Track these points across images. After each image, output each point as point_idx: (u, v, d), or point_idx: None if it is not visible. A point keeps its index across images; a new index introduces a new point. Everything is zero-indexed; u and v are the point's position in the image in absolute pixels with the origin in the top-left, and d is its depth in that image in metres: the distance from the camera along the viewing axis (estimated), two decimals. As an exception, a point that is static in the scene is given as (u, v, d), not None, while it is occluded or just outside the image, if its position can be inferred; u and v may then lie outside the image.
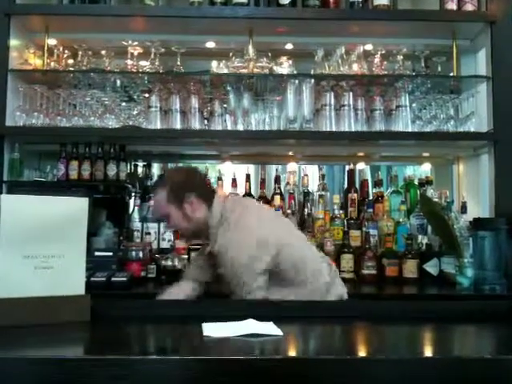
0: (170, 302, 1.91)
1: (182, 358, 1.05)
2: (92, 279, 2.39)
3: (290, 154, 3.37)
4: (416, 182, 3.28)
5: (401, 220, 3.00)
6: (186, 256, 2.82)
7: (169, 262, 2.81)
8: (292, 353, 1.11)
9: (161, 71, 2.99)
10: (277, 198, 3.09)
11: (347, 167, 3.34)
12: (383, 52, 3.03)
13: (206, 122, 3.02)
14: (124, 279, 2.50)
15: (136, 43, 2.99)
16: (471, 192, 3.17)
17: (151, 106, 2.95)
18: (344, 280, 2.76)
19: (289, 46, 3.20)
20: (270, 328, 1.25)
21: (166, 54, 3.02)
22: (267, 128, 2.96)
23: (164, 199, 2.13)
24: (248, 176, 3.18)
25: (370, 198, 3.21)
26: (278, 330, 1.23)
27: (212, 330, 1.22)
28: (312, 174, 3.54)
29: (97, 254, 2.62)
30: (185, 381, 1.02)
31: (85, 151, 2.95)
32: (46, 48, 3.01)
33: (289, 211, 3.05)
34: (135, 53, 3.00)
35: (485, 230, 2.61)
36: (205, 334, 1.19)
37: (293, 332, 1.29)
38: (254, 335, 1.19)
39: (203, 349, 1.16)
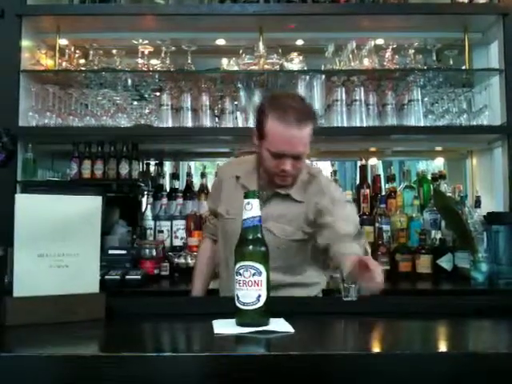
0: (182, 299, 1.92)
1: (194, 355, 1.05)
2: (106, 277, 2.41)
3: (302, 150, 3.35)
4: (429, 177, 3.26)
5: (414, 215, 2.98)
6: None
7: (182, 260, 2.83)
8: (304, 349, 1.10)
9: (171, 69, 3.00)
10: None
11: (359, 163, 3.32)
12: (394, 46, 3.01)
13: (217, 119, 3.02)
14: (138, 277, 2.51)
15: (146, 42, 3.01)
16: (485, 186, 3.14)
17: (162, 105, 2.96)
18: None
19: (299, 42, 3.20)
20: (280, 324, 1.25)
21: (176, 53, 3.03)
22: (278, 125, 2.96)
23: (310, 134, 1.77)
24: (260, 173, 3.17)
25: (383, 193, 3.19)
26: (289, 327, 1.23)
27: (222, 327, 1.22)
28: (324, 170, 3.52)
29: (111, 252, 2.64)
30: (197, 377, 1.02)
31: (97, 150, 2.97)
32: (57, 48, 3.04)
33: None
34: (146, 52, 3.02)
35: (499, 224, 2.59)
36: (215, 331, 1.19)
37: (304, 328, 1.29)
38: (265, 332, 1.19)
39: (214, 346, 1.16)
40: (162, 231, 2.99)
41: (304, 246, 1.91)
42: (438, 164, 3.54)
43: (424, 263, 2.74)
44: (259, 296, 1.22)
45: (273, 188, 1.89)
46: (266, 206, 1.85)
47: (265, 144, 1.78)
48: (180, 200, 3.08)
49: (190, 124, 2.95)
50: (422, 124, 2.95)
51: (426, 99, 3.04)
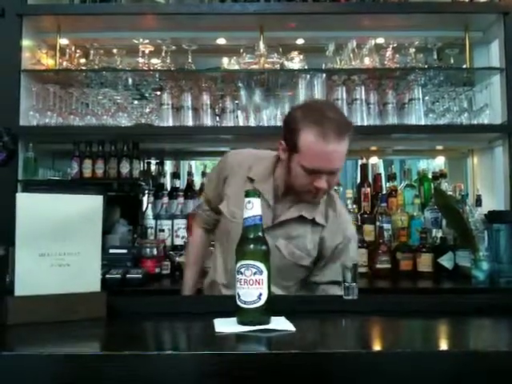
0: (184, 298, 1.92)
1: (195, 353, 1.05)
2: (107, 276, 2.41)
3: (303, 149, 3.35)
4: (430, 176, 3.26)
5: (415, 214, 2.98)
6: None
7: (182, 259, 2.83)
8: (305, 347, 1.10)
9: (172, 69, 3.00)
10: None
11: (360, 161, 3.32)
12: (395, 45, 3.01)
13: (217, 118, 3.02)
14: (139, 276, 2.52)
15: (147, 41, 3.01)
16: (486, 185, 3.14)
17: (163, 104, 2.96)
18: (358, 274, 2.77)
19: (300, 41, 3.20)
20: (281, 323, 1.25)
21: (176, 52, 3.03)
22: (279, 124, 2.96)
23: (347, 148, 1.64)
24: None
25: (384, 192, 3.19)
26: (291, 325, 1.23)
27: (224, 325, 1.22)
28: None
29: (112, 251, 2.64)
30: (198, 376, 1.02)
31: (98, 149, 2.97)
32: (58, 48, 3.04)
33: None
34: (146, 51, 3.02)
35: (500, 222, 2.59)
36: (217, 330, 1.20)
37: (305, 327, 1.29)
38: (266, 330, 1.19)
39: (216, 344, 1.16)
40: (162, 230, 2.99)
41: (302, 270, 1.85)
42: (439, 163, 3.54)
43: (425, 262, 2.74)
44: (260, 294, 1.22)
45: (294, 201, 1.77)
46: (284, 225, 1.77)
47: (297, 158, 1.63)
48: (181, 199, 3.08)
49: (190, 123, 2.95)
50: (422, 123, 2.95)
51: (426, 98, 3.04)
